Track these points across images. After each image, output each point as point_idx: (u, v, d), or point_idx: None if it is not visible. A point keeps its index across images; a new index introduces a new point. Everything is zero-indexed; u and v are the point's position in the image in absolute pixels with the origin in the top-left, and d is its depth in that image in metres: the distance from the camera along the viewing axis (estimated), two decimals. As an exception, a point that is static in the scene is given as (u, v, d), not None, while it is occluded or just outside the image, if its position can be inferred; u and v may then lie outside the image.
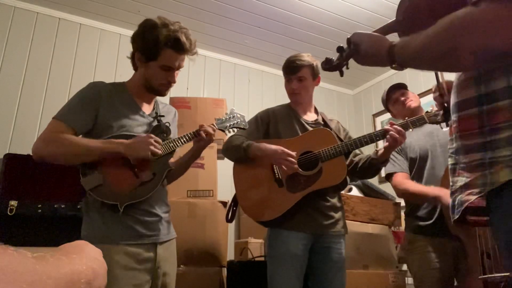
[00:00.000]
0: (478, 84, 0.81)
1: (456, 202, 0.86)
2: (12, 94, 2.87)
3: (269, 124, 1.92)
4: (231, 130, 1.67)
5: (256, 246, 2.54)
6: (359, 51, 1.02)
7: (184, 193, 2.46)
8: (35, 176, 2.45)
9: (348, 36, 1.06)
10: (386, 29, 1.07)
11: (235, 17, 3.21)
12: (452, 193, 0.89)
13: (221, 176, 2.55)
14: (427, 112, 1.75)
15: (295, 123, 1.91)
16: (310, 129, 1.90)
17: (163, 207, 1.49)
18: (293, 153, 1.72)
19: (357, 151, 1.94)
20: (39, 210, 2.26)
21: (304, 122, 1.93)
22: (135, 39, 1.48)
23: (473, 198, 0.80)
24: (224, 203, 2.44)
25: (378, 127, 3.92)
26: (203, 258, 2.31)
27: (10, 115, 2.84)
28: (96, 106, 1.41)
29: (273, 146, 1.74)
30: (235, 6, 3.06)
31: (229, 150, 1.85)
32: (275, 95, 3.76)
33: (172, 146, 1.47)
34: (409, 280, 3.03)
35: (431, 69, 0.97)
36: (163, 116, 1.57)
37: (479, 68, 0.83)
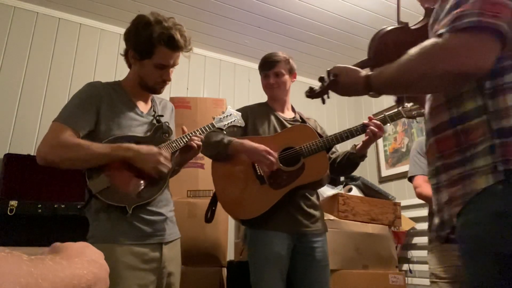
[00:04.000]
0: (450, 108, 0.92)
1: (444, 218, 0.91)
2: (12, 94, 2.87)
3: (247, 121, 1.89)
4: (229, 128, 1.66)
5: (256, 246, 2.54)
6: (338, 81, 1.13)
7: (184, 193, 2.46)
8: (35, 176, 2.45)
9: (328, 69, 1.18)
10: (360, 65, 1.19)
11: (235, 17, 3.21)
12: (438, 211, 0.95)
13: (221, 176, 2.55)
14: (403, 107, 1.78)
15: (273, 119, 1.91)
16: (289, 125, 1.89)
17: (168, 206, 1.49)
18: (275, 153, 1.71)
19: (333, 148, 1.95)
20: (39, 210, 2.25)
21: (282, 119, 1.92)
22: (128, 36, 1.46)
23: (458, 209, 0.86)
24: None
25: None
26: (203, 258, 2.31)
27: (10, 115, 2.83)
28: (97, 107, 1.39)
29: (255, 144, 1.73)
30: (235, 6, 3.06)
31: (208, 146, 1.78)
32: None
33: (175, 146, 1.46)
34: (409, 280, 3.03)
35: (406, 93, 1.10)
36: (162, 116, 1.56)
37: (447, 91, 0.92)
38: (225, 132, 1.70)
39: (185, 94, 3.35)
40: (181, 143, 1.48)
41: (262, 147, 1.71)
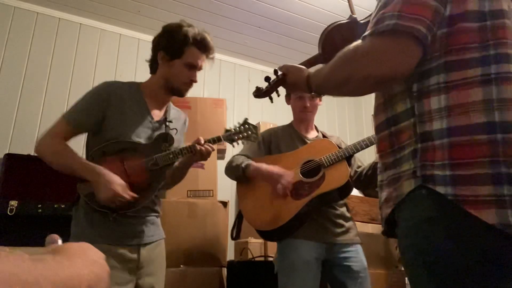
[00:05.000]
0: (386, 109, 0.91)
1: (383, 215, 0.92)
2: (12, 94, 2.87)
3: (271, 143, 1.93)
4: (239, 142, 1.57)
5: (256, 246, 2.54)
6: (286, 80, 1.14)
7: (184, 193, 2.46)
8: (35, 176, 2.45)
9: (275, 68, 1.19)
10: (312, 61, 1.19)
11: (236, 17, 3.21)
12: (380, 208, 0.95)
13: (221, 176, 2.53)
14: None
15: (297, 141, 1.92)
16: None
17: (149, 210, 1.48)
18: (291, 175, 1.72)
19: (359, 163, 1.95)
20: (39, 210, 2.26)
21: (306, 140, 1.94)
22: (158, 40, 1.50)
23: (389, 210, 0.86)
24: (224, 203, 2.43)
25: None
26: (203, 258, 2.31)
27: (10, 115, 2.83)
28: (104, 109, 1.41)
29: (270, 168, 1.75)
30: (235, 6, 3.06)
31: (229, 170, 1.89)
32: (275, 95, 3.75)
33: (171, 158, 1.45)
34: (409, 280, 3.03)
35: (338, 94, 1.09)
36: (171, 122, 1.55)
37: (380, 92, 0.92)
38: (247, 155, 1.82)
39: (185, 94, 3.35)
40: (178, 155, 1.47)
41: (275, 171, 1.73)
